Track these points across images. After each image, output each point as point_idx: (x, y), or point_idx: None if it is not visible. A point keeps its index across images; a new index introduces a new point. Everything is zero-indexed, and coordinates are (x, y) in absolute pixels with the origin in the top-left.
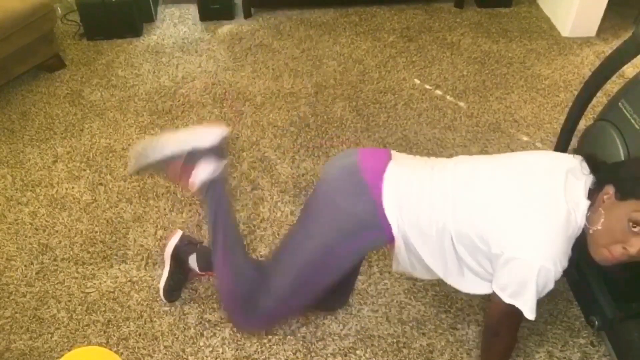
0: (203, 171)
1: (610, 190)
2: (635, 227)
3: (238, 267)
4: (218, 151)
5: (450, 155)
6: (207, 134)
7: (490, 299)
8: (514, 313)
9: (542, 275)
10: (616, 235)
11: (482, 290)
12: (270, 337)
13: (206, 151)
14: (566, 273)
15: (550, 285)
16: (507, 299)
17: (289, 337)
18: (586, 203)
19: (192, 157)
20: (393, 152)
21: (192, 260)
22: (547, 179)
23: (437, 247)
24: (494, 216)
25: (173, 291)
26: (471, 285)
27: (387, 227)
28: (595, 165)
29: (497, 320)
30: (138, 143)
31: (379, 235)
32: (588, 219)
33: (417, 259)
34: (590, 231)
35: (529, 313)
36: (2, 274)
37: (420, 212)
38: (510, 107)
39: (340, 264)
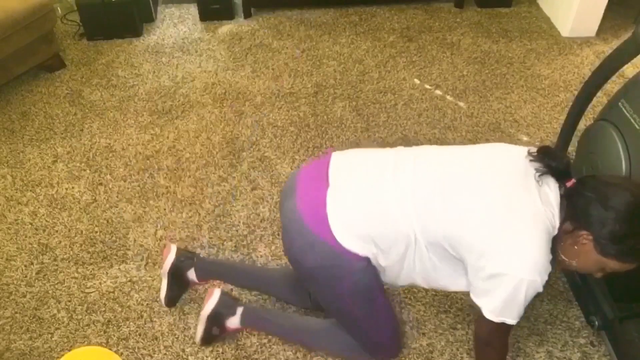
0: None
1: (587, 237)
2: (603, 271)
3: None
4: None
5: None
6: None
7: (478, 314)
8: (504, 324)
9: (531, 288)
10: (588, 270)
11: (459, 287)
12: (270, 337)
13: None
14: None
15: (539, 291)
16: (497, 318)
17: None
18: (558, 209)
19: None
20: (333, 164)
21: (191, 273)
22: (522, 185)
23: (408, 260)
24: (472, 227)
25: (173, 300)
26: (447, 282)
27: (357, 257)
28: (557, 172)
29: (488, 333)
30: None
31: (360, 265)
32: (560, 247)
33: (395, 274)
34: (561, 257)
35: (516, 320)
36: (2, 274)
37: (382, 232)
38: (510, 107)
39: (368, 299)
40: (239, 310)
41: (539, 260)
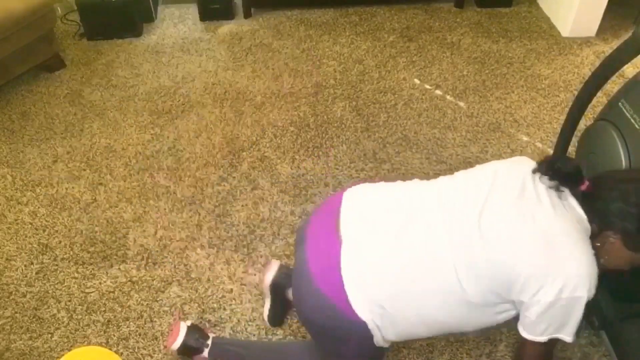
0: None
1: (614, 235)
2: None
3: None
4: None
5: (450, 156)
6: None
7: (521, 343)
8: (552, 345)
9: (585, 304)
10: (617, 267)
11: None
12: (270, 337)
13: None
14: None
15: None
16: (546, 338)
17: (289, 337)
18: (584, 215)
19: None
20: (344, 215)
21: (290, 292)
22: (549, 205)
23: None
24: (512, 266)
25: (278, 318)
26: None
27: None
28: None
29: (537, 356)
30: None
31: (365, 329)
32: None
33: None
34: None
35: (571, 338)
36: (2, 274)
37: (412, 290)
38: (510, 107)
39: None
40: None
41: (593, 273)
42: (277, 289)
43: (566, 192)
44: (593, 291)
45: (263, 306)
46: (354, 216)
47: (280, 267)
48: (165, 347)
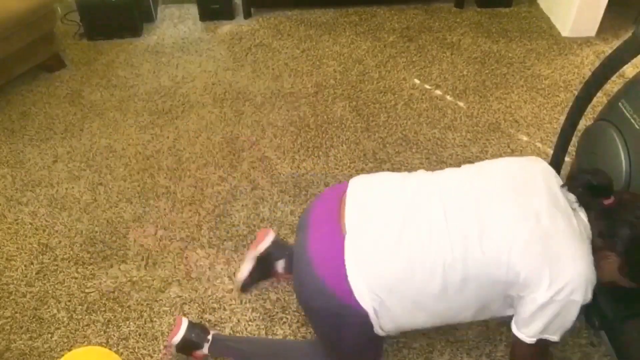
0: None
1: (614, 257)
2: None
3: None
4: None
5: (450, 156)
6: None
7: (513, 343)
8: (543, 347)
9: (580, 308)
10: (601, 281)
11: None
12: (270, 337)
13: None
14: None
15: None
16: (535, 339)
17: (289, 337)
18: (589, 224)
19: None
20: (349, 205)
21: (280, 264)
22: (555, 209)
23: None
24: (522, 259)
25: (249, 286)
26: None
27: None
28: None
29: (530, 356)
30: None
31: (364, 316)
32: None
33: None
34: None
35: (559, 338)
36: (2, 274)
37: (411, 280)
38: (510, 107)
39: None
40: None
41: (591, 278)
42: (267, 258)
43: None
44: (589, 296)
45: (241, 266)
46: (358, 206)
47: (275, 239)
48: (165, 346)
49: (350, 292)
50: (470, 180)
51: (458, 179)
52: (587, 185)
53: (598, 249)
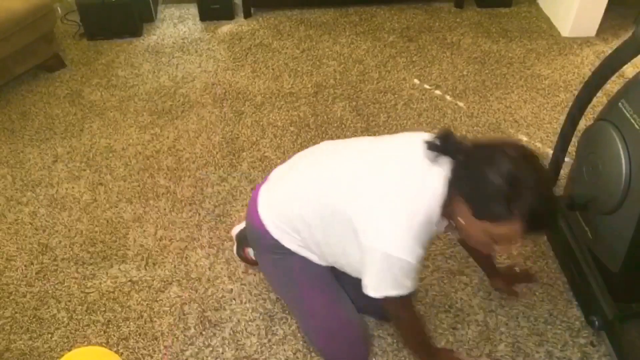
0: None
1: (463, 205)
2: (495, 242)
3: None
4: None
5: None
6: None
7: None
8: (395, 297)
9: (404, 264)
10: (481, 242)
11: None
12: (270, 337)
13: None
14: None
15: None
16: (378, 294)
17: (289, 337)
18: (443, 190)
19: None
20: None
21: (251, 251)
22: (406, 163)
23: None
24: (358, 203)
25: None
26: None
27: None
28: (442, 148)
29: (387, 308)
30: None
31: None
32: (450, 214)
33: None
34: (455, 230)
35: (402, 290)
36: (2, 274)
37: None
38: (510, 107)
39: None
40: None
41: (404, 238)
42: (242, 240)
43: (442, 163)
44: (407, 260)
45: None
46: (289, 162)
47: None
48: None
49: (263, 224)
50: (363, 143)
51: (362, 141)
52: (429, 146)
53: (449, 200)
